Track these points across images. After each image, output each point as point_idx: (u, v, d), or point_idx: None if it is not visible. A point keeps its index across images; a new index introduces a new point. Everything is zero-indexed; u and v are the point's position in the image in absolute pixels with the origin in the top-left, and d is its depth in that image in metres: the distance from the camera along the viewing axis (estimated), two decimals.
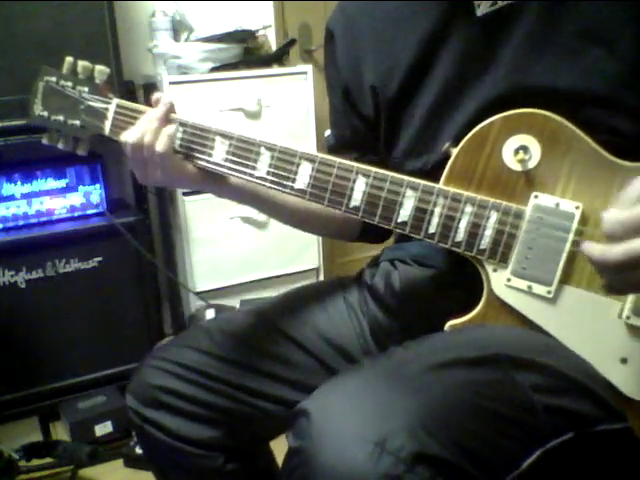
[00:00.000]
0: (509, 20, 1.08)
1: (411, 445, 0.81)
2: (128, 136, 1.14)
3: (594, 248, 0.86)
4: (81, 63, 1.21)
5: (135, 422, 1.26)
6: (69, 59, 1.22)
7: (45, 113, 1.23)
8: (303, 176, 1.11)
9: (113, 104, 1.20)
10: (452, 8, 1.12)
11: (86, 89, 1.21)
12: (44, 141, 1.25)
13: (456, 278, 1.16)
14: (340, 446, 0.82)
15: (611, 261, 0.83)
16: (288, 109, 2.75)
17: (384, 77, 1.19)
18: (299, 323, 1.30)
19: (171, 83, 2.54)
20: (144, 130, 1.14)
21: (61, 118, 1.22)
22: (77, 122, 1.21)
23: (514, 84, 1.06)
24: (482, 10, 1.09)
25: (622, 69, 1.02)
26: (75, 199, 2.48)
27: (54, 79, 1.22)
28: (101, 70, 1.21)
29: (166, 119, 1.16)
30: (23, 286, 2.34)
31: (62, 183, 2.45)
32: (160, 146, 1.13)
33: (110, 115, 1.20)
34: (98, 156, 2.53)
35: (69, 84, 1.21)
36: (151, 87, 2.67)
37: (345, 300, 1.33)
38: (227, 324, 1.32)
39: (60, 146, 1.26)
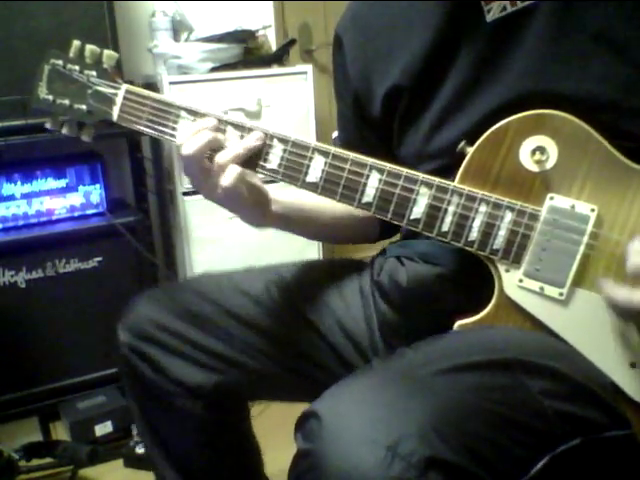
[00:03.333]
0: (520, 26, 1.08)
1: (423, 450, 0.81)
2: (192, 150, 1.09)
3: (618, 292, 0.93)
4: (89, 47, 1.18)
5: (123, 354, 1.26)
6: (76, 42, 1.19)
7: (50, 97, 1.19)
8: (315, 170, 1.09)
9: (122, 90, 1.17)
10: (461, 13, 1.12)
11: (94, 73, 1.18)
12: (47, 125, 1.22)
13: (463, 277, 1.16)
14: (351, 450, 0.82)
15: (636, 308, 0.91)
16: (288, 109, 2.74)
17: (398, 80, 1.18)
18: (314, 302, 1.30)
19: (171, 83, 2.53)
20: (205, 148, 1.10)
21: (67, 102, 1.19)
22: (83, 107, 1.18)
23: (525, 90, 1.06)
24: (492, 16, 1.09)
25: (633, 73, 1.02)
26: (75, 199, 2.47)
27: (61, 62, 1.19)
28: (109, 55, 1.18)
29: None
30: (23, 286, 2.33)
31: (62, 183, 2.44)
32: (227, 181, 1.09)
33: (119, 101, 1.17)
34: (98, 156, 2.52)
35: (76, 68, 1.18)
36: (151, 87, 2.66)
37: (360, 286, 1.33)
38: (241, 281, 1.33)
39: (64, 131, 1.22)
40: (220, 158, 1.09)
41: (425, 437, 0.82)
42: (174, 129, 1.14)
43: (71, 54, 1.19)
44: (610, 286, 0.95)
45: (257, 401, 1.36)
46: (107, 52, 1.18)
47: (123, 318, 1.29)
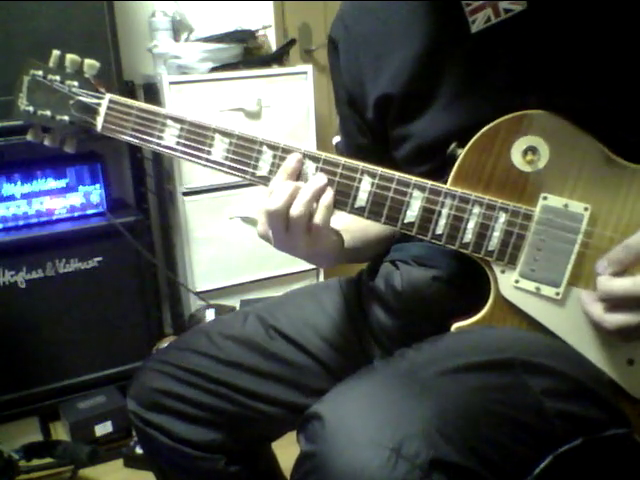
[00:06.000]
0: (504, 37, 1.07)
1: (427, 451, 0.81)
2: (271, 204, 1.02)
3: (594, 309, 0.95)
4: (69, 56, 1.16)
5: (137, 425, 1.26)
6: (56, 52, 1.16)
7: (30, 108, 1.17)
8: (307, 175, 1.07)
9: (106, 99, 1.15)
10: (446, 24, 1.11)
11: (76, 83, 1.16)
12: (29, 137, 1.20)
13: (459, 279, 1.16)
14: (355, 451, 0.81)
15: (608, 329, 0.94)
16: (288, 109, 2.75)
17: (386, 89, 1.18)
18: (299, 325, 1.29)
19: (171, 83, 2.54)
20: (292, 199, 1.03)
21: (48, 113, 1.16)
22: (66, 117, 1.16)
23: (512, 102, 1.04)
24: (477, 27, 1.08)
25: (619, 81, 1.02)
26: (75, 199, 2.48)
27: (40, 73, 1.16)
28: (91, 64, 1.16)
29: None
30: (23, 286, 2.34)
31: (62, 183, 2.45)
32: (319, 218, 1.03)
33: (102, 111, 1.14)
34: (98, 156, 2.53)
35: (57, 78, 1.16)
36: (151, 87, 2.67)
37: (345, 301, 1.33)
38: (226, 326, 1.32)
39: (46, 143, 1.20)
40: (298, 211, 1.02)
41: (429, 438, 0.82)
42: (160, 138, 1.13)
43: (50, 64, 1.17)
44: (588, 302, 0.97)
45: (278, 439, 1.36)
46: (88, 61, 1.16)
47: (129, 389, 1.29)
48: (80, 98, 1.16)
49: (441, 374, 0.92)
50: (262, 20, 2.94)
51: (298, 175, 1.06)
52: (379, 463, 0.80)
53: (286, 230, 1.03)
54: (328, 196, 1.04)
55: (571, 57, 1.03)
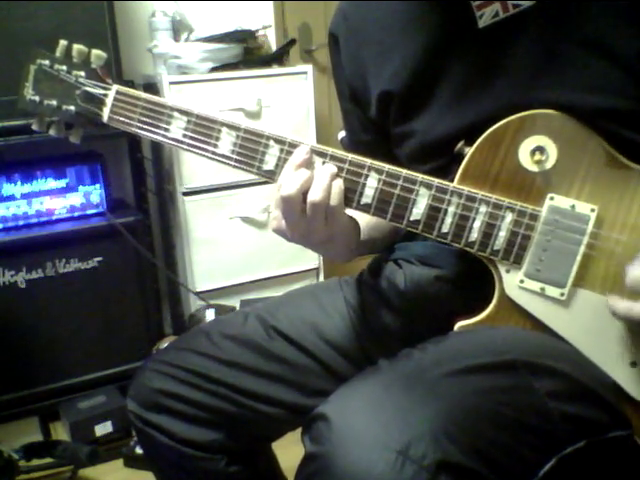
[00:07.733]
0: (512, 32, 1.06)
1: (434, 453, 0.80)
2: (286, 191, 1.01)
3: (619, 305, 0.93)
4: (76, 47, 1.14)
5: (137, 426, 1.26)
6: (63, 42, 1.15)
7: (37, 97, 1.15)
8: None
9: (113, 90, 1.13)
10: (452, 18, 1.10)
11: (82, 74, 1.14)
12: (34, 127, 1.18)
13: (462, 278, 1.16)
14: (362, 453, 0.81)
15: (636, 318, 0.92)
16: (288, 109, 2.75)
17: (388, 85, 1.17)
18: (299, 324, 1.29)
19: (171, 83, 2.54)
20: (306, 185, 1.02)
21: (54, 103, 1.15)
22: (72, 108, 1.15)
23: (517, 100, 1.04)
24: (484, 22, 1.07)
25: (627, 80, 1.01)
26: (75, 199, 2.47)
27: (47, 62, 1.15)
28: (98, 54, 1.14)
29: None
30: (23, 286, 2.33)
31: (62, 183, 2.45)
32: (335, 200, 1.03)
33: (109, 101, 1.13)
34: (98, 156, 2.52)
35: (64, 68, 1.14)
36: (151, 87, 2.66)
37: (345, 300, 1.32)
38: (226, 326, 1.31)
39: (51, 132, 1.19)
40: (315, 196, 1.02)
41: (436, 440, 0.82)
42: (167, 130, 1.12)
43: (57, 54, 1.16)
44: (612, 298, 0.95)
45: (278, 439, 1.35)
46: (95, 52, 1.15)
47: (129, 389, 1.28)
48: (87, 88, 1.15)
49: (447, 375, 0.92)
50: (262, 20, 2.94)
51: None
52: (386, 465, 0.79)
53: (302, 216, 1.03)
54: (340, 180, 1.04)
55: (580, 54, 1.03)
